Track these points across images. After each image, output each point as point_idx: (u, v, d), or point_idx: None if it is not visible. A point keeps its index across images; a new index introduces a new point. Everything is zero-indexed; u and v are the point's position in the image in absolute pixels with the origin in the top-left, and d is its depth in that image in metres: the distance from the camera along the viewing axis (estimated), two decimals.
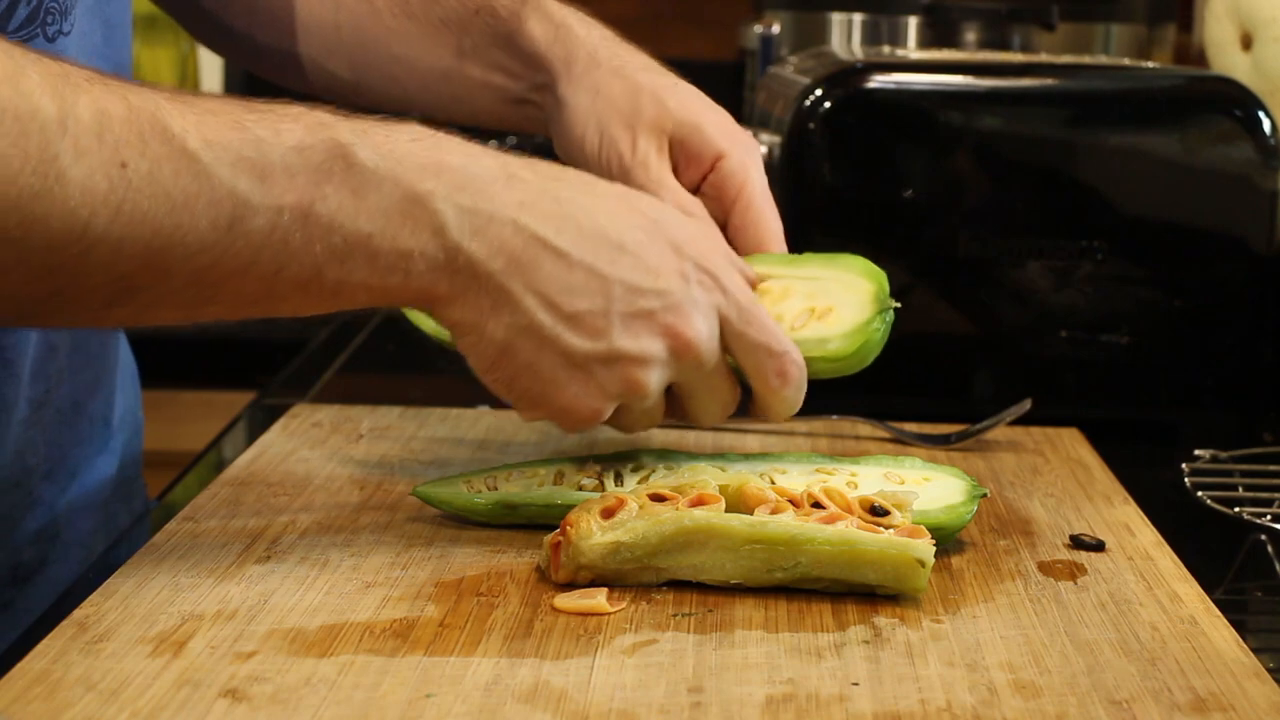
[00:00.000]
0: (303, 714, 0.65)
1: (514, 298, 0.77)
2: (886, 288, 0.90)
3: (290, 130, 0.73)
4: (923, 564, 0.77)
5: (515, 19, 0.99)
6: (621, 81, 0.95)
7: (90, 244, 0.68)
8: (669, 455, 0.90)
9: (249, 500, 0.90)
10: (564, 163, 0.91)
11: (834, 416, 1.10)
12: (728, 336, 0.82)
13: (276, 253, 0.73)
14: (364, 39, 1.03)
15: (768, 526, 0.78)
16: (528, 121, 1.00)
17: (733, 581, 0.78)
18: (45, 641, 0.71)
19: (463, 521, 0.87)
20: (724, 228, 0.92)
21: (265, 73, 1.05)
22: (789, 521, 0.78)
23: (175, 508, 0.90)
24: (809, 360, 0.86)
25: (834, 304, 0.89)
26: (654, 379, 0.80)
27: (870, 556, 0.77)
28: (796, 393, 0.85)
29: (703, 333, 0.80)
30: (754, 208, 0.93)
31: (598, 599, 0.76)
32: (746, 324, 0.82)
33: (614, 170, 0.93)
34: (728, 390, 0.84)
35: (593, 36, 0.97)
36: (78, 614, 0.74)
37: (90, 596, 0.76)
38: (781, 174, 1.18)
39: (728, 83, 1.90)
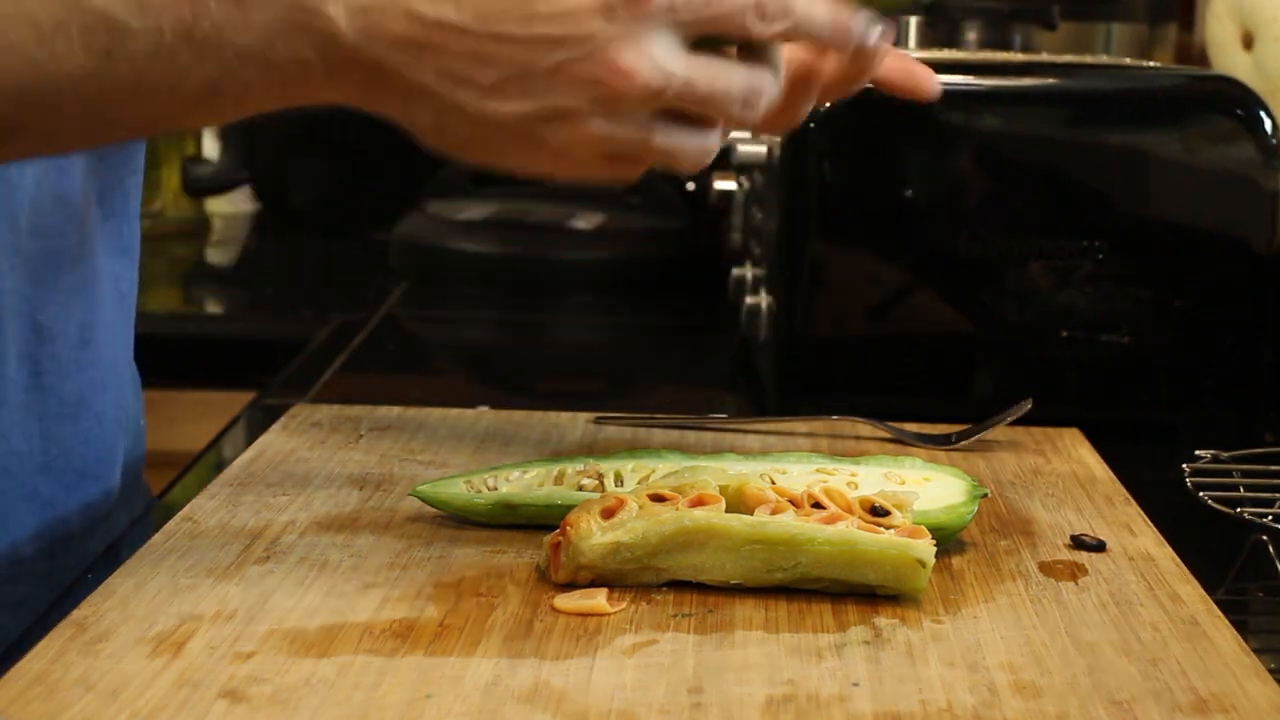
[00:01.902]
0: (302, 714, 0.65)
1: (426, 87, 0.71)
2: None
3: None
4: (923, 564, 0.77)
5: None
6: None
7: None
8: (669, 455, 0.90)
9: (249, 500, 0.90)
10: None
11: (834, 417, 1.10)
12: (695, 30, 0.72)
13: (165, 73, 0.69)
14: None
15: (768, 526, 0.78)
16: None
17: (733, 581, 0.78)
18: (44, 642, 0.71)
19: (463, 521, 0.87)
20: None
21: None
22: (789, 521, 0.78)
23: (175, 508, 0.90)
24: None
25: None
26: (604, 126, 0.72)
27: (871, 557, 0.77)
28: (805, 18, 0.75)
29: (639, 64, 0.71)
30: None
31: (598, 599, 0.76)
32: (701, 6, 0.72)
33: None
34: (723, 91, 0.74)
35: None
36: (77, 614, 0.74)
37: (89, 596, 0.76)
38: (781, 174, 1.18)
39: None
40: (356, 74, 0.72)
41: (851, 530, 0.78)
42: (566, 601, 0.76)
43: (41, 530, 0.93)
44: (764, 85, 0.76)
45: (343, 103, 0.73)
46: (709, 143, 0.76)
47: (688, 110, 0.74)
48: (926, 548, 0.77)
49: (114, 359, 1.00)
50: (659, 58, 0.72)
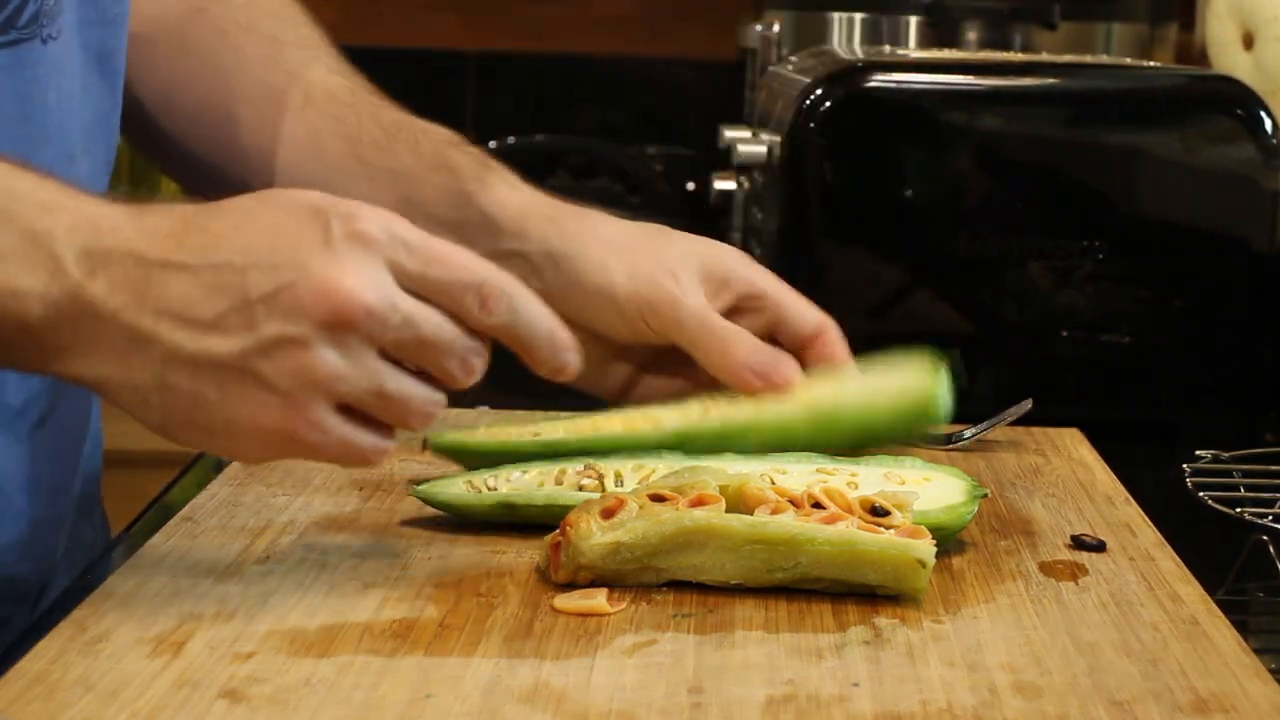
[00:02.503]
0: (302, 714, 0.65)
1: (144, 331, 0.69)
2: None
3: None
4: (923, 564, 0.77)
5: (478, 181, 0.98)
6: (624, 227, 0.95)
7: None
8: (670, 455, 0.90)
9: (249, 500, 0.90)
10: (576, 311, 0.90)
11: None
12: (412, 284, 0.72)
13: None
14: (307, 177, 1.00)
15: (768, 526, 0.78)
16: None
17: (733, 582, 0.78)
18: (44, 642, 0.71)
19: (463, 521, 0.87)
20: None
21: (202, 188, 1.02)
22: (789, 521, 0.78)
23: (175, 508, 0.89)
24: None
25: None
26: (329, 358, 0.70)
27: (871, 557, 0.77)
28: (525, 323, 0.75)
29: (360, 285, 0.69)
30: (796, 309, 0.94)
31: (598, 599, 0.76)
32: (425, 264, 0.72)
33: (662, 305, 0.92)
34: (447, 341, 0.73)
35: (557, 202, 0.96)
36: (76, 614, 0.74)
37: (89, 597, 0.76)
38: (781, 174, 1.18)
39: (728, 83, 1.90)
40: (75, 313, 0.69)
41: (852, 530, 0.77)
42: (566, 601, 0.76)
43: (23, 547, 0.93)
44: (482, 353, 0.75)
45: (54, 355, 0.70)
46: (434, 397, 0.74)
47: (409, 355, 0.73)
48: (927, 548, 0.77)
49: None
50: (380, 283, 0.70)
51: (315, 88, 1.03)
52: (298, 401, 0.70)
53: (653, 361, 0.98)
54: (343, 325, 0.70)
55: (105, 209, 0.71)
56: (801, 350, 0.93)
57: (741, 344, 0.91)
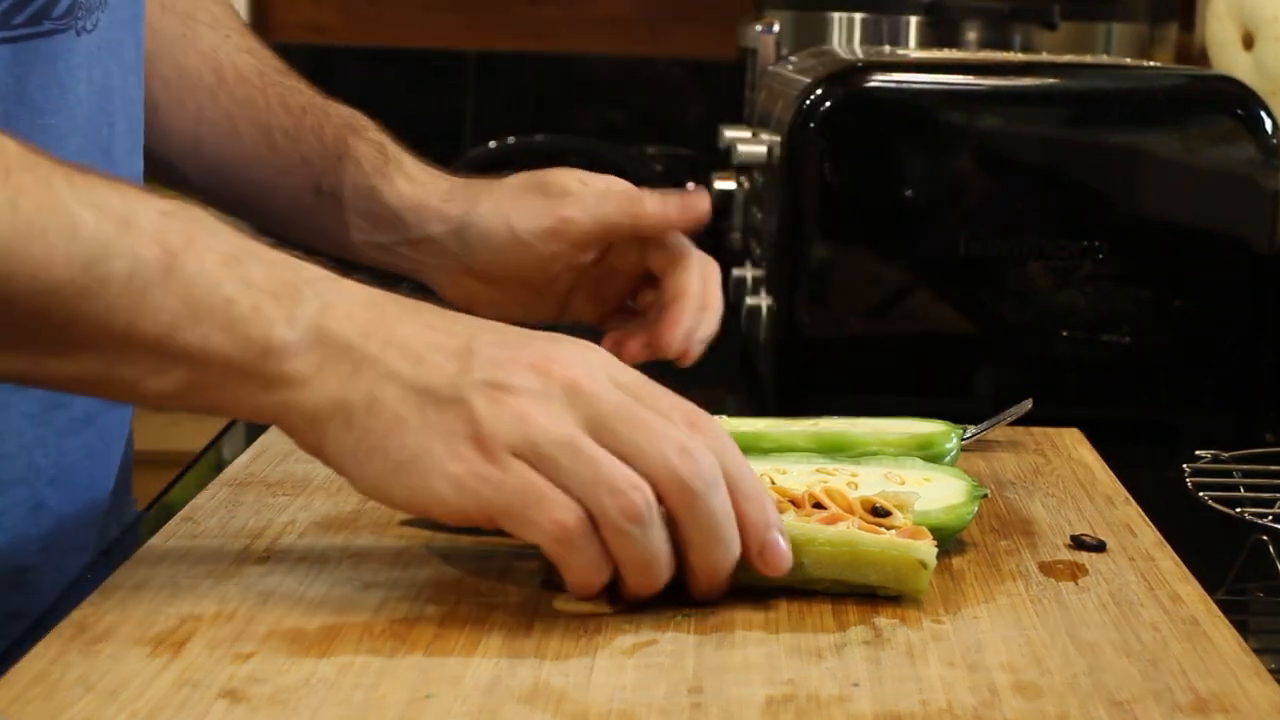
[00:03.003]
0: (302, 714, 0.65)
1: (370, 354, 0.72)
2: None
3: (159, 199, 0.72)
4: (924, 565, 0.77)
5: (379, 175, 1.02)
6: (508, 181, 1.00)
7: None
8: None
9: (248, 500, 0.90)
10: (493, 266, 1.00)
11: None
12: (612, 423, 0.72)
13: (133, 302, 0.70)
14: (222, 159, 1.04)
15: None
16: (392, 265, 1.04)
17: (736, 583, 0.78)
18: (44, 642, 0.71)
19: None
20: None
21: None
22: (791, 522, 0.78)
23: (174, 508, 0.89)
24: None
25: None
26: (533, 406, 0.71)
27: (872, 557, 0.77)
28: (710, 523, 0.72)
29: (582, 368, 0.73)
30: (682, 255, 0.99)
31: (598, 599, 0.76)
32: (640, 384, 0.74)
33: (565, 217, 0.98)
34: (660, 428, 0.73)
35: (453, 181, 1.01)
36: (76, 614, 0.74)
37: (89, 597, 0.76)
38: (781, 174, 1.18)
39: (728, 83, 1.90)
40: (314, 343, 0.72)
41: (852, 531, 0.77)
42: (566, 602, 0.76)
43: (47, 541, 0.93)
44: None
45: (283, 389, 0.72)
46: (634, 476, 0.71)
47: (617, 438, 0.71)
48: (928, 548, 0.77)
49: None
50: (598, 374, 0.73)
51: (226, 69, 1.06)
52: (490, 436, 0.71)
53: (575, 286, 1.03)
54: (553, 386, 0.72)
55: (344, 280, 0.75)
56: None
57: (647, 197, 0.97)
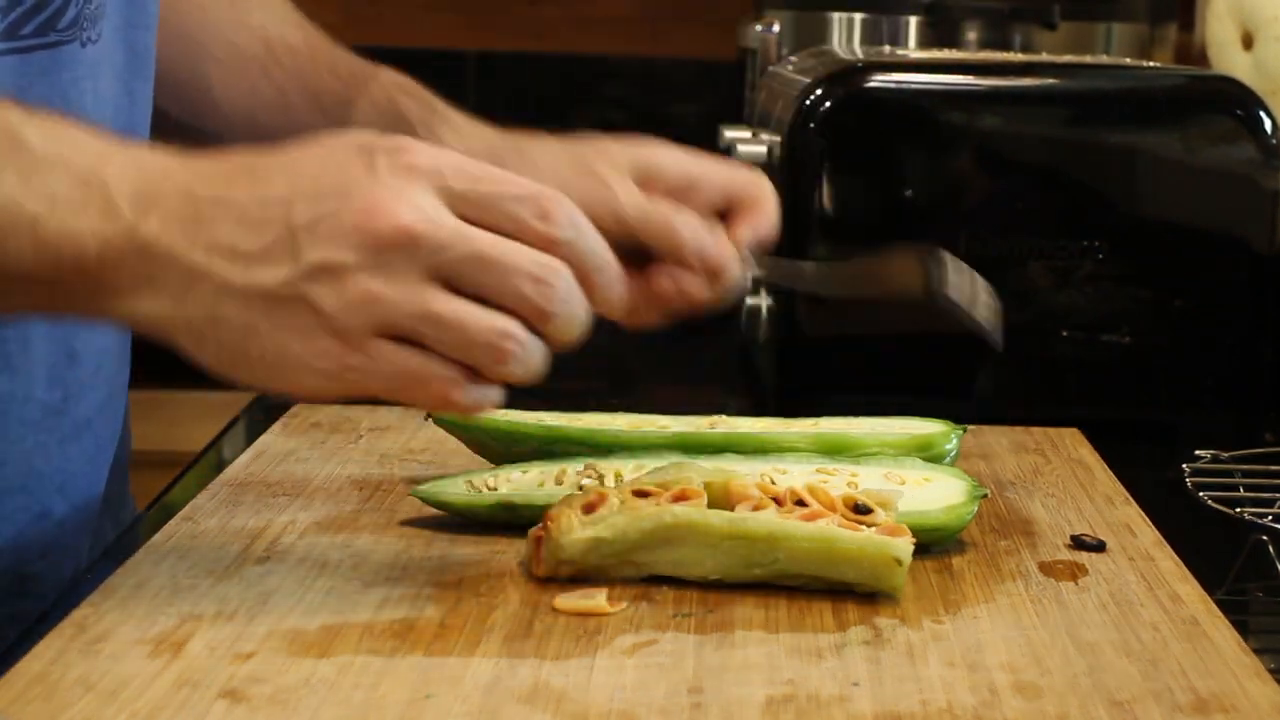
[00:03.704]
0: (302, 714, 0.65)
1: (197, 266, 0.70)
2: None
3: None
4: (900, 562, 0.76)
5: (425, 128, 1.01)
6: (555, 150, 0.93)
7: None
8: (671, 455, 0.90)
9: (248, 500, 0.90)
10: None
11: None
12: (466, 207, 0.70)
13: None
14: (276, 131, 1.03)
15: (747, 523, 0.78)
16: None
17: (712, 577, 0.78)
18: (44, 642, 0.71)
19: (463, 521, 0.87)
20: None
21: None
22: (768, 518, 0.78)
23: (174, 508, 0.89)
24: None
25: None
26: (372, 282, 0.69)
27: (848, 554, 0.77)
28: (588, 241, 0.72)
29: (401, 208, 0.69)
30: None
31: (598, 599, 0.76)
32: (475, 182, 0.71)
33: (599, 209, 0.85)
34: (512, 257, 0.70)
35: (501, 137, 0.98)
36: (76, 615, 0.74)
37: (89, 597, 0.76)
38: (781, 174, 1.18)
39: (728, 83, 1.90)
40: (131, 251, 0.70)
41: (830, 527, 0.77)
42: (566, 601, 0.76)
43: (48, 546, 0.93)
44: (560, 269, 0.71)
45: (109, 299, 0.71)
46: (498, 324, 0.70)
47: (473, 280, 0.70)
48: (904, 546, 0.77)
49: (120, 376, 1.00)
50: (426, 207, 0.69)
51: (276, 44, 1.07)
52: (345, 327, 0.69)
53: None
54: (385, 248, 0.69)
55: (156, 154, 0.72)
56: (741, 216, 0.90)
57: (685, 226, 0.86)
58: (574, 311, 0.72)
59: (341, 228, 0.69)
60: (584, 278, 0.73)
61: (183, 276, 0.70)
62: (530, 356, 0.72)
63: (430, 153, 0.71)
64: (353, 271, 0.69)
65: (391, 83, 1.05)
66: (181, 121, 1.06)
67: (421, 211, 0.69)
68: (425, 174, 0.70)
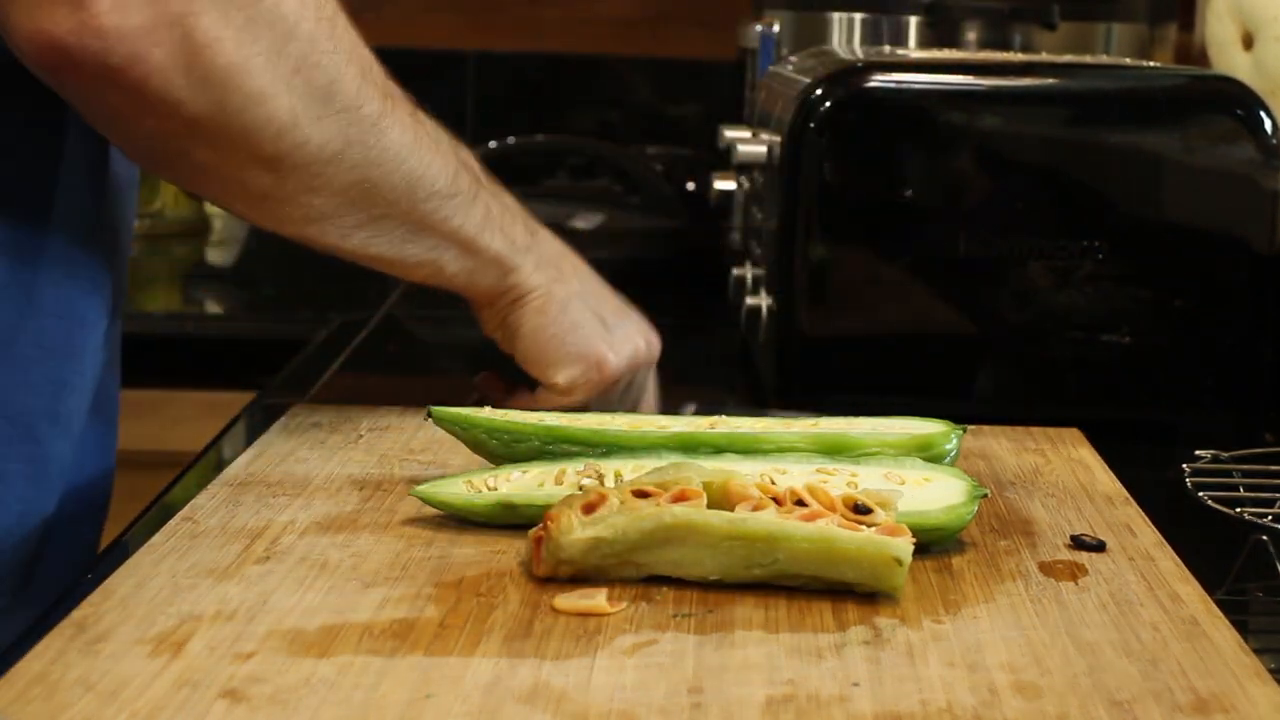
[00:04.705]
0: (302, 714, 0.65)
1: (567, 273, 1.07)
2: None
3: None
4: (900, 562, 0.77)
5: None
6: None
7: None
8: (670, 455, 0.90)
9: (249, 500, 0.90)
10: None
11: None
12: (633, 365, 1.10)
13: (462, 211, 1.00)
14: None
15: (747, 523, 0.78)
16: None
17: (712, 578, 0.78)
18: (44, 642, 0.71)
19: (463, 521, 0.87)
20: None
21: None
22: (768, 518, 0.78)
23: (174, 508, 0.89)
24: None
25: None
26: (646, 346, 1.10)
27: (848, 554, 0.77)
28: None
29: (625, 360, 1.09)
30: None
31: (598, 599, 0.76)
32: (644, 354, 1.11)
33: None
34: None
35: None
36: (76, 614, 0.74)
37: (89, 597, 0.76)
38: (781, 174, 1.18)
39: (728, 83, 1.90)
40: (535, 260, 1.05)
41: (830, 528, 0.77)
42: (566, 601, 0.76)
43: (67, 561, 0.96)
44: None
45: (511, 274, 1.05)
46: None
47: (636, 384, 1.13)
48: (904, 545, 0.77)
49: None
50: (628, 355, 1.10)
51: None
52: (625, 359, 1.08)
53: None
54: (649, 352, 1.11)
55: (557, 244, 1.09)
56: None
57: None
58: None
59: (630, 340, 1.09)
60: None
61: (559, 271, 1.07)
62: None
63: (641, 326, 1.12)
64: (641, 334, 1.11)
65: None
66: None
67: (630, 359, 1.09)
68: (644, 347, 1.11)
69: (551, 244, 1.07)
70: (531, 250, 1.04)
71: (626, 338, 1.08)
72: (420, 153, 0.96)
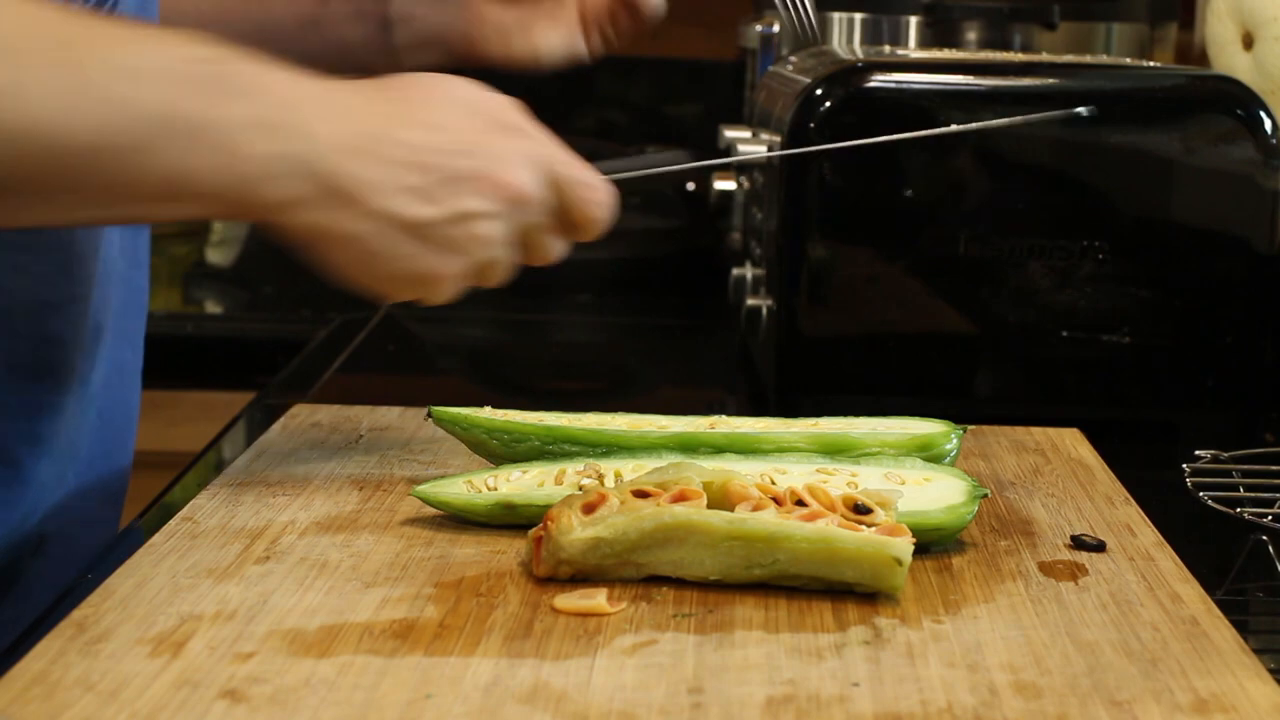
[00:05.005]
0: (302, 714, 0.65)
1: (361, 191, 0.82)
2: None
3: (176, 42, 0.79)
4: (899, 562, 0.77)
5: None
6: None
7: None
8: (670, 455, 0.90)
9: (248, 500, 0.90)
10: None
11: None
12: (549, 181, 0.89)
13: (155, 144, 0.77)
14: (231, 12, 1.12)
15: (747, 523, 0.78)
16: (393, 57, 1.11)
17: (712, 578, 0.78)
18: (44, 642, 0.71)
19: (463, 521, 0.87)
20: None
21: None
22: (768, 518, 0.78)
23: (174, 508, 0.89)
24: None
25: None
26: (495, 229, 0.85)
27: (848, 554, 0.77)
28: (609, 216, 0.93)
29: (525, 180, 0.87)
30: None
31: (598, 599, 0.76)
32: (566, 165, 0.91)
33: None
34: (558, 229, 0.91)
35: None
36: (76, 614, 0.74)
37: (89, 597, 0.76)
38: (781, 174, 1.18)
39: (728, 83, 1.90)
40: (314, 173, 0.80)
41: (830, 528, 0.77)
42: (566, 601, 0.76)
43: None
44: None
45: (279, 210, 0.81)
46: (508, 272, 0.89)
47: (535, 236, 0.89)
48: (904, 545, 0.77)
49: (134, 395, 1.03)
50: (532, 181, 0.88)
51: None
52: (467, 260, 0.85)
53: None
54: (507, 203, 0.86)
55: (340, 87, 0.84)
56: None
57: None
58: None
59: (487, 184, 0.85)
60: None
61: (349, 193, 0.81)
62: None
63: (533, 129, 0.91)
64: (480, 218, 0.85)
65: None
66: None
67: (534, 183, 0.87)
68: (534, 148, 0.89)
69: (322, 141, 0.81)
70: (287, 165, 0.80)
71: (461, 232, 0.85)
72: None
